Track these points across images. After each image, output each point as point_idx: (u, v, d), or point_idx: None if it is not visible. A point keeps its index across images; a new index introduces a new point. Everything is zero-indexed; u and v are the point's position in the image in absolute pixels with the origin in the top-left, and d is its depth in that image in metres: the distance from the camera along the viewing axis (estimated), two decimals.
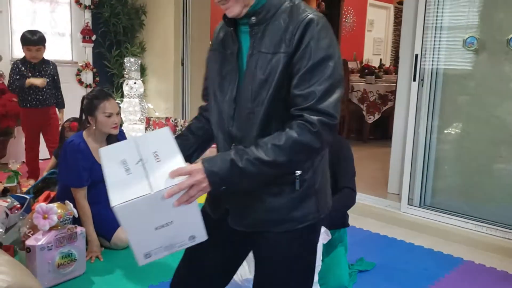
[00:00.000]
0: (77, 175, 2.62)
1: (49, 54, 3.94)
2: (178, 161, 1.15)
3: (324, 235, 2.10)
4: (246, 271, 2.12)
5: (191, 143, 1.41)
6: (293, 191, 1.23)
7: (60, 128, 3.72)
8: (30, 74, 3.73)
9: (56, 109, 4.00)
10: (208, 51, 1.36)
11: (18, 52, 4.23)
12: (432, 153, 3.42)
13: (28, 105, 3.79)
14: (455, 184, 3.39)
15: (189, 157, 1.38)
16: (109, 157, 1.21)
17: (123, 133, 2.93)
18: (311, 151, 1.15)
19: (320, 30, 1.14)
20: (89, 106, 2.67)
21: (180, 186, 1.08)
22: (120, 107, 3.10)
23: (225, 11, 1.21)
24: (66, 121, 3.44)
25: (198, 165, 1.13)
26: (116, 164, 1.16)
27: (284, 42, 1.14)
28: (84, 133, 2.72)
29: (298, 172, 1.21)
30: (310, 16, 1.15)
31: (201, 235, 1.16)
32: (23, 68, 3.71)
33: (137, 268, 2.05)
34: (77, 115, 2.89)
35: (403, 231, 3.27)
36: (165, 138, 1.22)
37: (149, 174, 1.11)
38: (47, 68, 3.82)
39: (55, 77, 3.91)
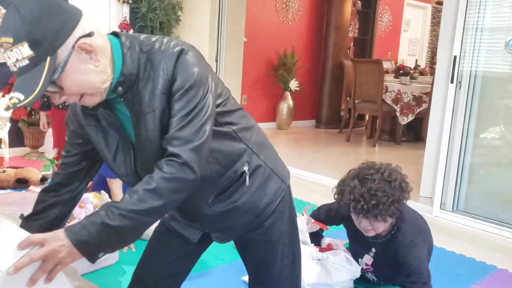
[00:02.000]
0: None
1: None
2: (20, 233, 0.97)
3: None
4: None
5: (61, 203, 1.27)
6: (253, 183, 1.23)
7: None
8: None
9: None
10: (71, 125, 1.23)
11: None
12: (467, 157, 3.33)
13: (60, 106, 3.61)
14: (490, 190, 3.30)
15: (61, 220, 1.27)
16: None
17: None
18: (187, 184, 1.05)
19: (187, 60, 1.07)
20: None
21: (31, 256, 0.93)
22: None
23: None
24: None
25: (55, 232, 0.97)
26: None
27: (160, 91, 1.06)
28: None
29: (246, 168, 1.20)
30: (175, 52, 1.07)
31: None
32: None
33: None
34: None
35: (434, 235, 3.16)
36: None
37: None
38: None
39: None
